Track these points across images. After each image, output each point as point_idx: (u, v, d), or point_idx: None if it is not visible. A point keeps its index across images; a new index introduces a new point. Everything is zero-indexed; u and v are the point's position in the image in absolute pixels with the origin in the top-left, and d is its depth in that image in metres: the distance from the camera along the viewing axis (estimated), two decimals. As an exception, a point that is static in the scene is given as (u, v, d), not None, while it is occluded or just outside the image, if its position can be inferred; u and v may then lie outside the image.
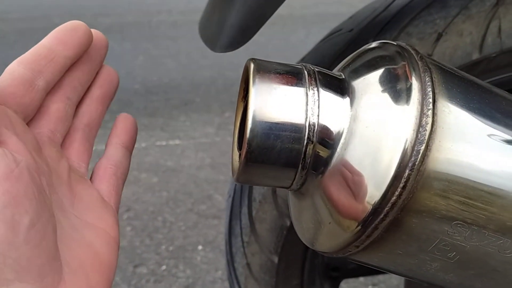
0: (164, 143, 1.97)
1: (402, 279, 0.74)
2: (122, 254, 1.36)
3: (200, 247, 1.39)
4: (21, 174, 0.23)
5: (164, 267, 1.32)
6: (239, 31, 0.42)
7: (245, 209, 0.61)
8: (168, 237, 1.43)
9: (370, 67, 0.29)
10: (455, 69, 0.30)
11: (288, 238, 0.60)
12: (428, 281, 0.34)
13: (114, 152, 0.31)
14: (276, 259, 0.61)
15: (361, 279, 1.28)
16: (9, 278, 0.22)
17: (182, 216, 1.52)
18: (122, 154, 0.32)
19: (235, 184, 0.64)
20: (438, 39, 0.49)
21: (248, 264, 0.63)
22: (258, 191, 0.59)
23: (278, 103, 0.27)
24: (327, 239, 0.30)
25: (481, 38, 0.49)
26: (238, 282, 0.66)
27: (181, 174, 1.74)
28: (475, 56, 0.49)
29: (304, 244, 0.64)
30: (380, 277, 1.29)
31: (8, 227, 0.22)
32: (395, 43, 0.30)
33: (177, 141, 1.98)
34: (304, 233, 0.33)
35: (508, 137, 0.28)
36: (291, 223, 0.54)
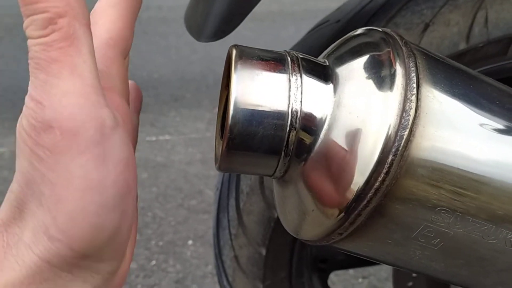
0: (154, 138, 1.96)
1: (392, 271, 0.75)
2: (111, 249, 1.35)
3: (190, 242, 1.39)
4: (133, 159, 0.25)
5: (153, 262, 1.32)
6: (224, 20, 0.41)
7: (232, 201, 0.60)
8: (158, 233, 1.42)
9: (354, 53, 0.29)
10: (440, 55, 0.30)
11: (275, 230, 0.60)
12: (415, 269, 0.34)
13: None
14: (264, 251, 0.61)
15: (351, 272, 1.28)
16: (109, 262, 0.25)
17: (172, 212, 1.51)
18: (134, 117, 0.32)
19: (223, 176, 0.64)
20: (425, 29, 0.49)
21: (236, 257, 0.63)
22: (246, 183, 0.59)
23: (260, 89, 0.26)
24: (310, 227, 0.29)
25: (468, 28, 0.49)
26: (226, 275, 0.66)
27: (171, 170, 1.73)
28: (462, 46, 0.49)
29: (292, 236, 0.64)
30: (371, 269, 1.29)
31: (121, 218, 0.24)
32: (380, 30, 0.30)
33: (167, 137, 1.97)
34: (288, 222, 0.32)
35: (493, 124, 0.28)
36: (279, 215, 0.54)
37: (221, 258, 0.66)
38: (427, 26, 0.49)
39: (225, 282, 0.67)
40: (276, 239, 0.61)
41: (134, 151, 0.30)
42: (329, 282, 0.86)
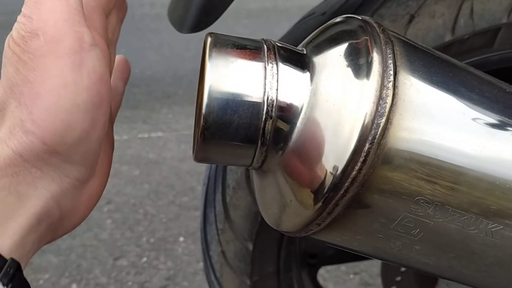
0: (146, 135, 1.94)
1: (380, 266, 0.74)
2: (102, 247, 1.35)
3: (181, 239, 1.38)
4: (108, 79, 0.28)
5: (144, 259, 1.31)
6: (204, 12, 0.41)
7: (219, 196, 0.60)
8: (149, 230, 1.42)
9: (332, 41, 0.28)
10: (419, 43, 0.29)
11: (262, 224, 0.59)
12: (396, 261, 0.34)
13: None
14: (251, 246, 0.61)
15: (343, 268, 1.28)
16: (77, 166, 0.27)
17: (164, 208, 1.50)
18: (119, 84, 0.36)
19: (209, 171, 0.64)
20: (410, 21, 0.49)
21: (223, 252, 0.62)
22: (232, 177, 0.58)
23: (235, 78, 0.26)
24: (289, 218, 0.29)
25: (453, 19, 0.48)
26: (213, 271, 0.65)
27: (163, 166, 1.72)
28: (448, 38, 0.49)
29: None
30: (362, 265, 1.29)
31: (91, 124, 0.26)
32: (359, 17, 0.29)
33: (159, 133, 1.96)
34: (268, 214, 0.32)
35: (471, 112, 0.27)
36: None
37: (209, 254, 0.65)
38: (412, 17, 0.48)
39: (212, 278, 0.66)
40: (263, 234, 0.61)
41: (113, 117, 0.34)
42: (321, 279, 0.86)
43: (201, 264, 1.29)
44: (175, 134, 1.95)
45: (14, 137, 0.25)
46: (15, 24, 0.26)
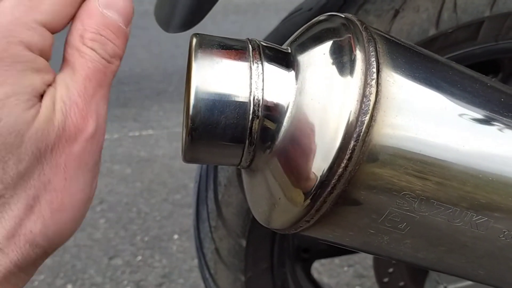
0: (137, 133, 1.94)
1: (373, 258, 0.75)
2: (96, 246, 1.35)
3: (176, 237, 1.38)
4: None
5: (139, 257, 1.31)
6: (191, 11, 0.41)
7: (211, 194, 0.60)
8: (143, 228, 1.42)
9: (316, 40, 0.29)
10: (401, 40, 0.30)
11: (255, 221, 0.59)
12: (386, 255, 0.34)
13: None
14: (244, 243, 0.61)
15: (337, 261, 1.29)
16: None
17: (157, 206, 1.51)
18: None
19: (201, 169, 0.64)
20: (395, 15, 0.49)
21: (216, 249, 0.63)
22: (223, 175, 0.59)
23: (221, 78, 0.26)
24: (279, 215, 0.29)
25: (437, 13, 0.49)
26: (208, 268, 0.66)
27: (155, 164, 1.72)
28: (432, 32, 0.49)
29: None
30: (356, 258, 1.30)
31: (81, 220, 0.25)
32: (342, 15, 0.30)
33: (150, 131, 1.96)
34: (258, 212, 0.32)
35: (454, 107, 0.28)
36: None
37: (202, 251, 0.66)
38: (397, 12, 0.49)
39: (207, 275, 0.67)
40: (256, 230, 0.61)
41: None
42: (315, 272, 0.86)
43: (196, 261, 1.29)
44: (166, 132, 1.95)
45: (17, 248, 0.22)
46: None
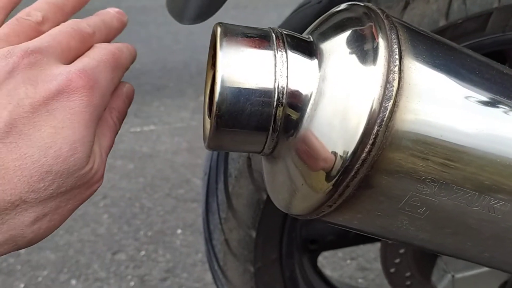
0: (138, 129, 1.94)
1: (380, 249, 0.76)
2: (100, 241, 1.35)
3: (179, 231, 1.39)
4: None
5: (143, 252, 1.32)
6: (205, 2, 0.41)
7: (221, 185, 0.61)
8: (146, 223, 1.42)
9: (337, 28, 0.29)
10: (420, 28, 0.30)
11: (265, 212, 0.60)
12: (403, 240, 0.35)
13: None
14: (254, 234, 0.62)
15: (340, 254, 1.30)
16: None
17: (160, 201, 1.51)
18: None
19: (210, 161, 0.64)
20: (405, 7, 0.50)
21: (226, 240, 0.63)
22: (234, 166, 0.59)
23: (246, 66, 0.27)
24: (300, 201, 0.30)
25: (447, 4, 0.49)
26: (217, 259, 0.66)
27: (157, 160, 1.72)
28: (442, 22, 0.50)
29: (281, 217, 0.64)
30: (359, 251, 1.31)
31: None
32: (362, 4, 0.30)
33: (151, 127, 1.96)
34: (278, 199, 0.33)
35: (472, 93, 0.29)
36: (268, 196, 0.55)
37: (212, 243, 0.66)
38: (407, 3, 0.49)
39: (216, 267, 0.67)
40: (266, 221, 0.62)
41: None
42: (319, 265, 0.87)
43: (200, 255, 1.30)
44: (168, 127, 1.95)
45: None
46: None
